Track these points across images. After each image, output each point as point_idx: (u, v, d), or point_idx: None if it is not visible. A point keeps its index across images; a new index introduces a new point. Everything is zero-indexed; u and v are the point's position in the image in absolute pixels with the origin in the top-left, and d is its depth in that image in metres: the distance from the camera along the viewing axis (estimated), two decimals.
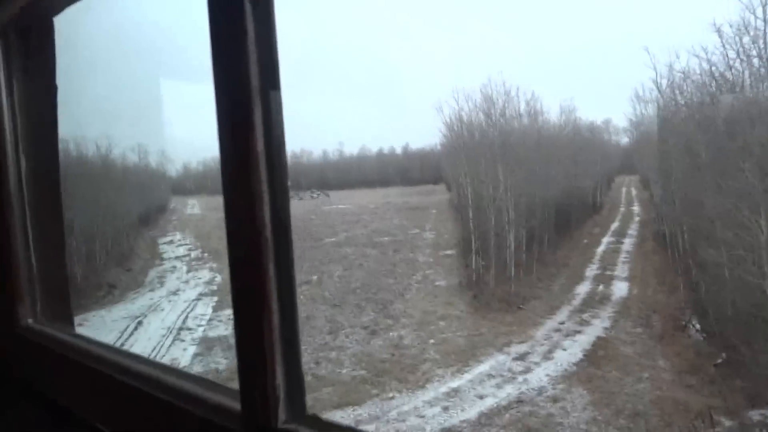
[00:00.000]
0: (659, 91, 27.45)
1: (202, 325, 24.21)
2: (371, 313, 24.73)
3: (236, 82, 1.30)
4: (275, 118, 1.32)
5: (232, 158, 1.37)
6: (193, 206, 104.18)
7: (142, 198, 49.27)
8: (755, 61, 14.18)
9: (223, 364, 20.23)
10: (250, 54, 1.28)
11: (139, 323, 24.24)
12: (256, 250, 1.34)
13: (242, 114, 1.30)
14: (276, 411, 1.32)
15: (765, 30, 13.04)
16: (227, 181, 1.39)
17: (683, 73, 23.21)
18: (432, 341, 21.27)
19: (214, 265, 37.46)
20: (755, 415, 15.48)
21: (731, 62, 15.31)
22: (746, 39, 14.00)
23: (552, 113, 42.05)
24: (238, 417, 1.38)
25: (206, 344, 22.06)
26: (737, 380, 16.99)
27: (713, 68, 16.88)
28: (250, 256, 1.35)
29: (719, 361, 18.35)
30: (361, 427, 15.57)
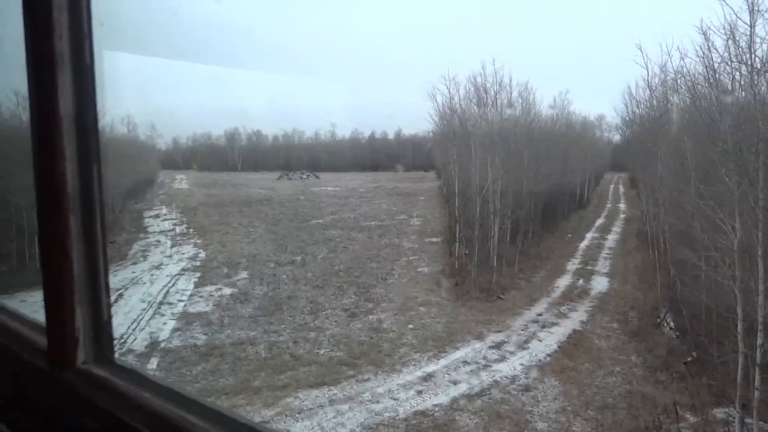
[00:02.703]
0: (651, 91, 27.72)
1: (182, 300, 24.24)
2: (353, 296, 24.93)
3: (44, 46, 1.40)
4: (87, 84, 1.43)
5: (38, 119, 1.46)
6: (181, 181, 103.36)
7: (130, 170, 48.88)
8: (740, 66, 14.36)
9: (202, 339, 20.38)
10: (56, 21, 1.39)
11: (120, 296, 24.30)
12: (58, 204, 1.45)
13: (48, 78, 1.41)
14: (75, 351, 1.44)
15: (751, 36, 13.21)
16: (35, 141, 1.48)
17: (675, 73, 23.43)
18: (411, 326, 21.53)
19: (199, 241, 37.45)
20: (719, 413, 15.92)
21: (717, 66, 15.47)
22: (733, 43, 14.17)
23: (545, 105, 42.31)
24: (44, 353, 1.50)
25: (186, 319, 22.15)
26: (705, 378, 17.44)
27: (708, 71, 17.02)
28: (54, 209, 1.46)
29: (689, 359, 18.80)
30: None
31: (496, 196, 28.68)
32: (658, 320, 22.17)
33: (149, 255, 33.56)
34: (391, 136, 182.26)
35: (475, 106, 31.40)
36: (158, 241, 38.15)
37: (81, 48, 1.42)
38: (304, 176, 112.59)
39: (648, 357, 19.38)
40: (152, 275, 28.55)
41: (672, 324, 21.53)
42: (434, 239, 37.56)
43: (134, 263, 31.29)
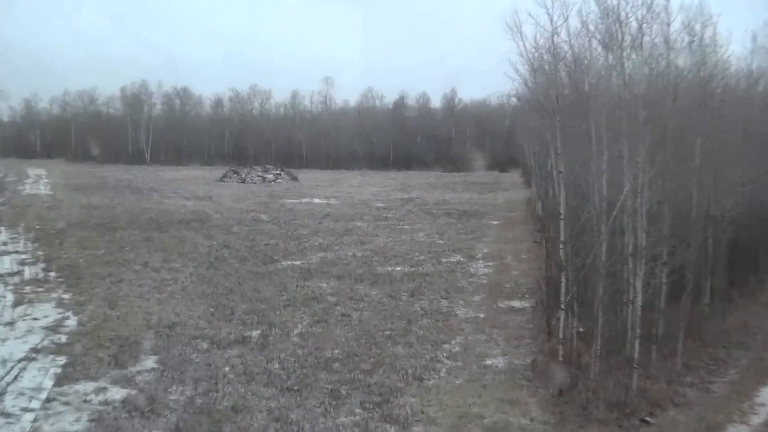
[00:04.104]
0: None
1: (31, 410, 24.10)
2: (358, 409, 24.49)
3: None
4: None
5: None
6: (37, 180, 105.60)
7: None
8: None
9: None
10: None
11: None
12: None
13: None
14: None
15: None
16: None
17: None
18: None
19: (67, 296, 37.65)
20: None
21: None
22: None
23: (736, 49, 41.80)
24: None
25: None
26: None
27: None
28: None
29: None
30: None
31: (638, 221, 28.15)
32: None
33: None
34: (436, 103, 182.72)
35: (600, 48, 31.06)
36: None
37: None
38: (270, 176, 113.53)
39: None
40: None
41: None
42: (517, 302, 37.00)
43: None
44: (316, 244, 54.35)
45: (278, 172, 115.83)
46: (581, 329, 28.59)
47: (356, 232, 60.14)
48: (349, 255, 49.59)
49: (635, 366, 26.62)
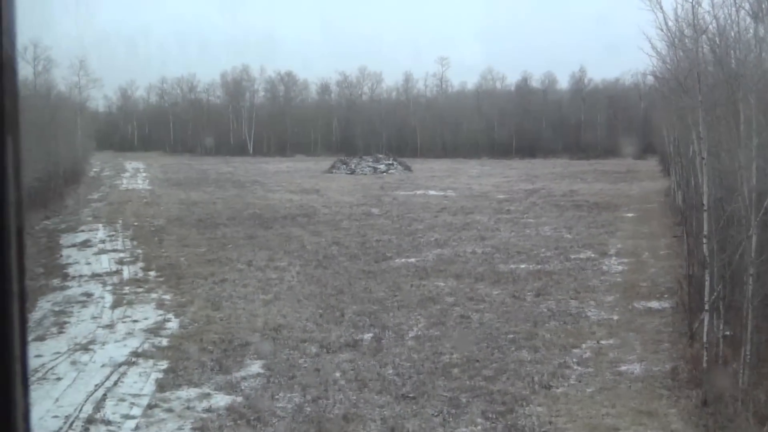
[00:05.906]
0: None
1: (133, 417, 24.55)
2: (479, 419, 24.42)
3: None
4: None
5: None
6: (135, 174, 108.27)
7: (37, 153, 50.76)
8: None
9: None
10: None
11: None
12: None
13: None
14: None
15: None
16: None
17: None
18: None
19: (167, 297, 38.32)
20: None
21: None
22: None
23: None
24: None
25: None
26: None
27: None
28: None
29: None
30: None
31: None
32: None
33: (69, 322, 34.62)
34: (564, 83, 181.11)
35: (749, 19, 30.27)
36: (87, 294, 39.49)
37: None
38: (382, 167, 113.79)
39: None
40: (74, 363, 29.18)
41: None
42: (655, 303, 36.34)
43: (40, 338, 32.14)
44: (432, 239, 54.21)
45: (390, 162, 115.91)
46: (728, 333, 27.88)
47: (476, 227, 59.85)
48: (468, 252, 49.37)
49: None
